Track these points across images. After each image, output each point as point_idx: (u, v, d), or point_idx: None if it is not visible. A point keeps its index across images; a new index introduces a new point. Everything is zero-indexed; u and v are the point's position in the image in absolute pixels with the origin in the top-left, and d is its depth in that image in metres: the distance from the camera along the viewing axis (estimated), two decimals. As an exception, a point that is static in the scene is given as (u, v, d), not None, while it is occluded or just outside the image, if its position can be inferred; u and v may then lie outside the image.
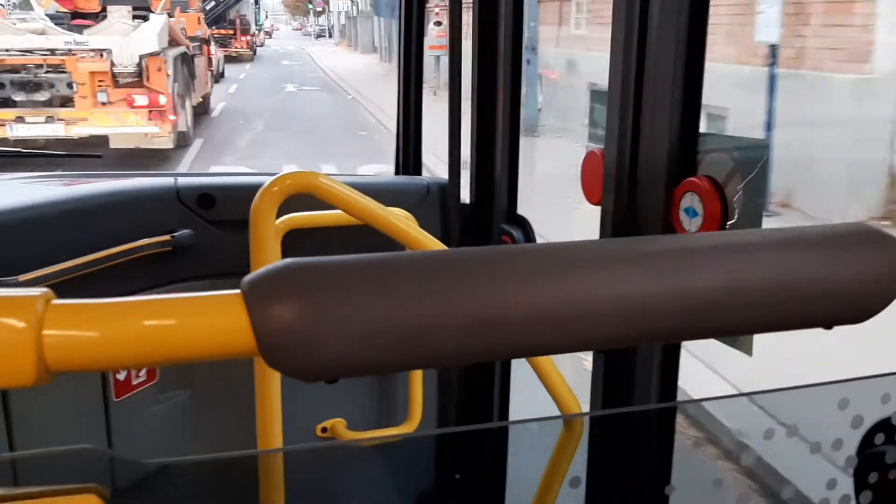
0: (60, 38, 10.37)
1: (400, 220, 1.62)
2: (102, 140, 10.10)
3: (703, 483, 0.67)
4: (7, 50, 9.82)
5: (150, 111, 10.21)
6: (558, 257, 0.51)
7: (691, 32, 1.35)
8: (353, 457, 1.84)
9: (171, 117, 10.49)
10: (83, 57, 10.08)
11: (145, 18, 11.48)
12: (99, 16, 12.27)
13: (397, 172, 2.52)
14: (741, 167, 1.28)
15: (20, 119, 9.90)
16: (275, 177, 1.58)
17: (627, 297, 0.49)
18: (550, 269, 0.49)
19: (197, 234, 1.98)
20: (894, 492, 0.70)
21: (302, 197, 1.63)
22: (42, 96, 10.06)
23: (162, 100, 10.25)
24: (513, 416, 2.25)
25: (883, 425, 0.69)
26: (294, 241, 1.85)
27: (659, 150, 1.40)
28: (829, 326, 0.56)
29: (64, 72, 10.04)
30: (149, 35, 10.41)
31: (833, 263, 0.54)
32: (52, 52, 10.08)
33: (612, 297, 0.49)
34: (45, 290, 0.44)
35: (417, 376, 2.12)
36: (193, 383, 2.08)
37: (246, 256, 1.69)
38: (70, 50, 10.06)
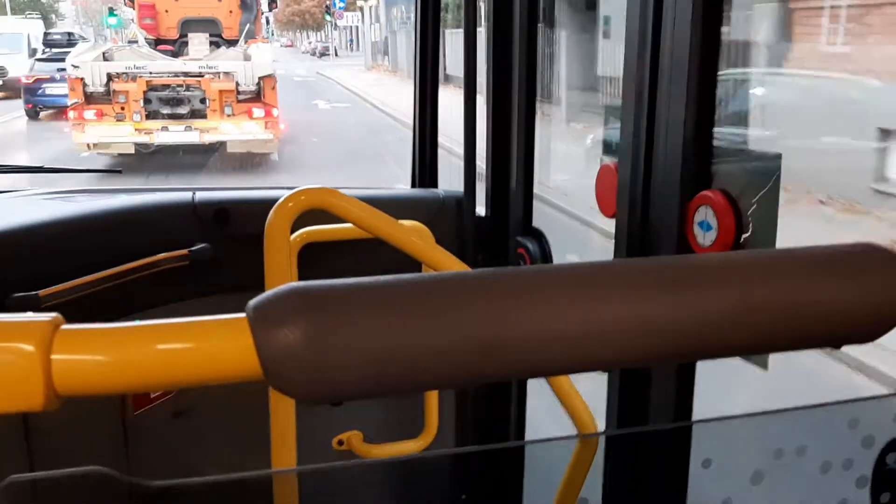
0: (195, 63, 12.90)
1: (414, 235, 1.62)
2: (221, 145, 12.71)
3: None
4: (150, 72, 12.18)
5: (266, 121, 12.49)
6: (566, 278, 0.51)
7: (704, 46, 1.35)
8: (368, 473, 1.83)
9: (281, 126, 12.81)
10: (212, 77, 12.46)
11: (217, 45, 14.25)
12: (177, 42, 14.71)
13: (413, 185, 2.53)
14: (755, 180, 1.28)
15: (165, 128, 12.23)
16: (289, 193, 1.59)
17: (638, 317, 0.49)
18: (558, 290, 0.49)
19: (214, 248, 1.99)
20: None
21: (319, 211, 1.63)
22: (183, 110, 12.32)
23: (275, 112, 12.51)
24: (529, 427, 2.24)
25: (894, 444, 0.69)
26: (310, 256, 1.86)
27: (673, 163, 1.40)
28: (837, 346, 0.56)
29: (197, 90, 12.38)
30: (266, 60, 12.75)
31: (842, 284, 0.54)
32: (187, 74, 12.38)
33: (623, 318, 0.49)
34: (54, 314, 0.44)
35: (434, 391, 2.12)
36: (210, 395, 2.10)
37: (263, 271, 1.70)
38: (201, 73, 12.53)
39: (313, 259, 1.88)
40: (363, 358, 0.45)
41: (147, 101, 12.04)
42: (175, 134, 12.25)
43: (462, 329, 0.47)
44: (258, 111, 12.40)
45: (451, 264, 1.62)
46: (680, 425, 1.39)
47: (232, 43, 14.13)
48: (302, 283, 0.47)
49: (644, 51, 1.44)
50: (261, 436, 1.74)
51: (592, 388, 1.59)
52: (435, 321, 0.47)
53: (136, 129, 12.02)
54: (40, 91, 15.45)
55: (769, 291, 0.52)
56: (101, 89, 11.83)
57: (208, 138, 12.49)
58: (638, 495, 1.42)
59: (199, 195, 2.06)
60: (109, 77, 11.84)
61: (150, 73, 12.17)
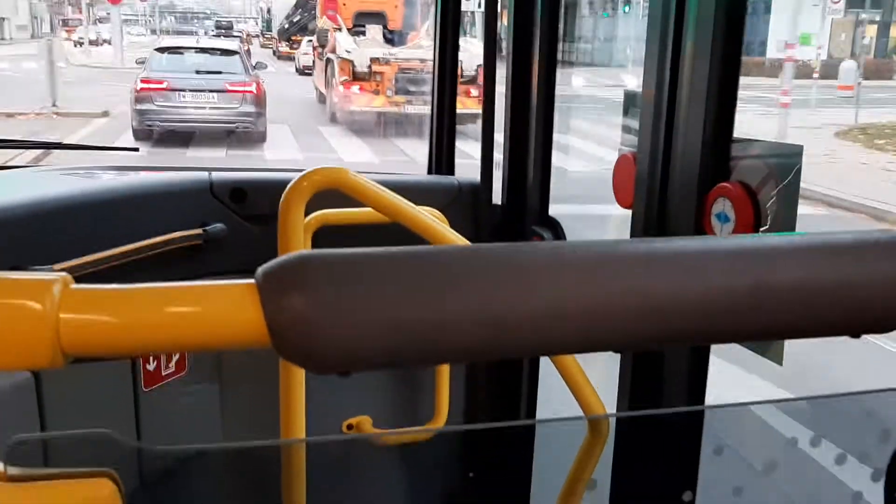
0: (429, 52, 15.51)
1: (430, 219, 1.62)
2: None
3: (724, 492, 0.66)
4: (396, 58, 15.11)
5: (479, 99, 15.15)
6: (581, 255, 0.50)
7: (727, 36, 1.33)
8: (377, 452, 1.83)
9: None
10: None
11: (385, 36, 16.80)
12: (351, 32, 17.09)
13: (430, 171, 2.52)
14: (775, 173, 1.26)
15: (409, 102, 15.10)
16: (305, 172, 1.58)
17: (653, 297, 0.48)
18: (573, 267, 0.49)
19: (229, 228, 1.99)
20: None
21: (335, 196, 1.63)
22: (426, 88, 14.73)
23: None
24: (540, 417, 2.23)
25: None
26: (325, 238, 1.86)
27: (691, 154, 1.39)
28: (856, 335, 0.54)
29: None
30: (478, 52, 15.66)
31: (863, 270, 0.52)
32: (423, 60, 14.80)
33: (637, 298, 0.48)
34: (63, 274, 0.44)
35: (444, 375, 2.12)
36: (221, 376, 2.10)
37: (277, 252, 1.70)
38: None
39: (328, 242, 1.88)
40: (372, 327, 0.45)
41: (396, 80, 15.03)
42: (416, 106, 15.11)
43: (473, 302, 0.46)
44: (474, 91, 14.67)
45: None
46: (692, 409, 1.38)
47: (396, 34, 16.78)
48: (313, 251, 0.46)
49: (665, 41, 1.42)
50: (271, 417, 1.75)
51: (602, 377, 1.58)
52: (446, 293, 0.46)
53: (387, 102, 15.17)
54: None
55: (786, 276, 0.51)
56: (365, 69, 14.98)
57: (440, 111, 15.41)
58: (647, 479, 1.41)
59: (216, 175, 2.06)
60: (371, 60, 15.08)
61: (396, 58, 15.22)
